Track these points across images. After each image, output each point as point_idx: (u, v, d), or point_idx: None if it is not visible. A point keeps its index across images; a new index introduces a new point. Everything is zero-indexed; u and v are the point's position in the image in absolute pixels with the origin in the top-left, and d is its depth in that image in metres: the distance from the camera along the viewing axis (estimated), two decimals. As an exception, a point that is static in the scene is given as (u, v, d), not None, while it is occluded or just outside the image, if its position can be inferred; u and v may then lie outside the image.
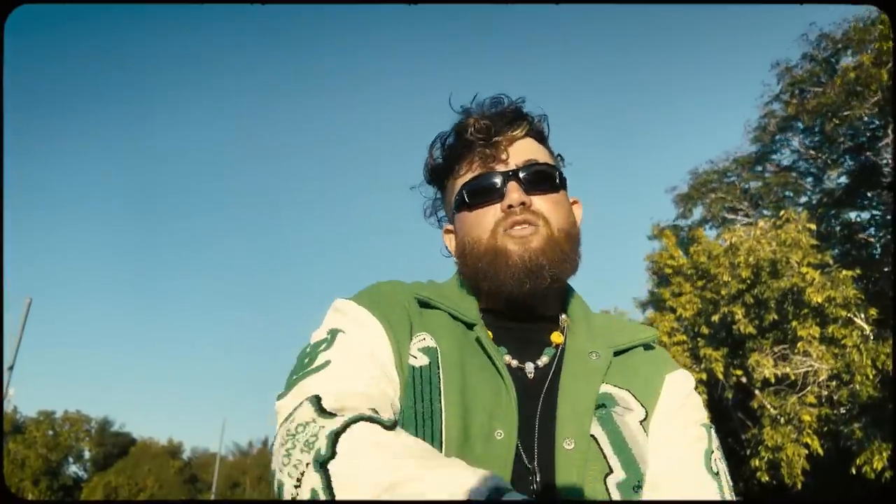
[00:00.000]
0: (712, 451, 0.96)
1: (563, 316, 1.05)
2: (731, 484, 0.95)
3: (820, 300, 11.46)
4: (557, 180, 1.03)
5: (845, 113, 13.00)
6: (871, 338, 11.59)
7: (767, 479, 11.94)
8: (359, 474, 0.69)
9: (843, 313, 11.59)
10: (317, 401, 0.79)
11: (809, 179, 17.40)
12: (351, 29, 78.05)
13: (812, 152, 16.80)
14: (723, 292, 12.89)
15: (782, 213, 13.01)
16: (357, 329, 0.92)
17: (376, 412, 0.79)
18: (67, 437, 52.20)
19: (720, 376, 13.06)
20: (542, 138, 1.09)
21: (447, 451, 0.85)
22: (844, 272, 11.83)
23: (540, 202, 1.00)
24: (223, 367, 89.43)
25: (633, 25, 63.58)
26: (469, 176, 1.03)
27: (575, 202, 1.10)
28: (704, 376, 13.06)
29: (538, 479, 0.86)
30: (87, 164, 79.23)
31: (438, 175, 1.10)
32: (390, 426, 0.78)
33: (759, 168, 18.46)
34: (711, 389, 13.95)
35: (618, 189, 63.09)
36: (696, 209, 18.05)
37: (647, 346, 1.05)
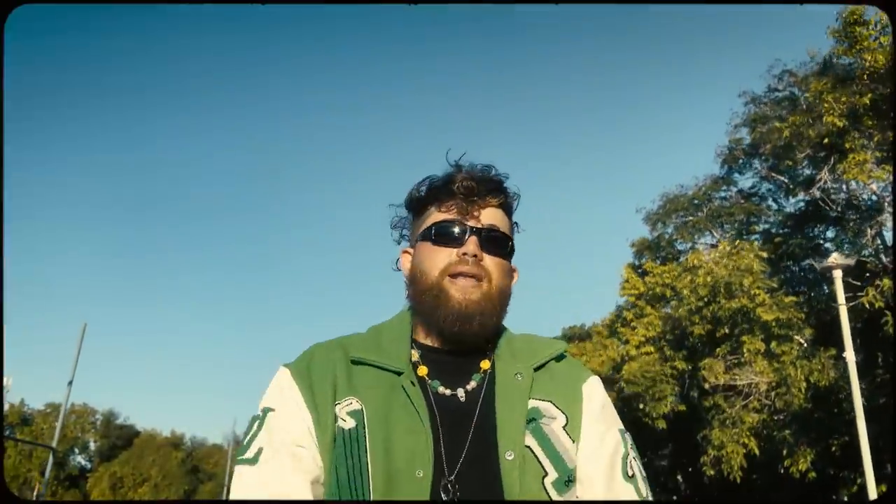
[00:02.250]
0: (627, 455, 1.12)
1: (489, 345, 1.19)
2: (646, 482, 1.13)
3: (769, 318, 13.14)
4: (508, 249, 1.19)
5: (792, 155, 14.72)
6: (806, 355, 13.31)
7: (712, 472, 13.68)
8: None
9: (786, 332, 13.31)
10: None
11: (770, 203, 19.00)
12: (351, 29, 78.99)
13: (774, 175, 18.39)
14: (681, 311, 14.59)
15: (737, 242, 14.70)
16: (282, 406, 1.10)
17: None
18: (74, 429, 53.91)
19: (686, 377, 14.86)
20: (509, 212, 1.23)
21: (375, 497, 1.01)
22: (789, 298, 13.54)
23: (489, 261, 1.15)
24: (223, 360, 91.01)
25: (613, 49, 64.83)
26: (442, 217, 1.17)
27: (514, 269, 1.24)
28: (669, 387, 14.87)
29: (456, 489, 1.02)
30: (87, 165, 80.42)
31: (416, 205, 1.24)
32: None
33: (726, 191, 20.05)
34: (680, 387, 15.76)
35: (603, 206, 64.63)
36: (666, 229, 19.65)
37: (560, 357, 1.20)
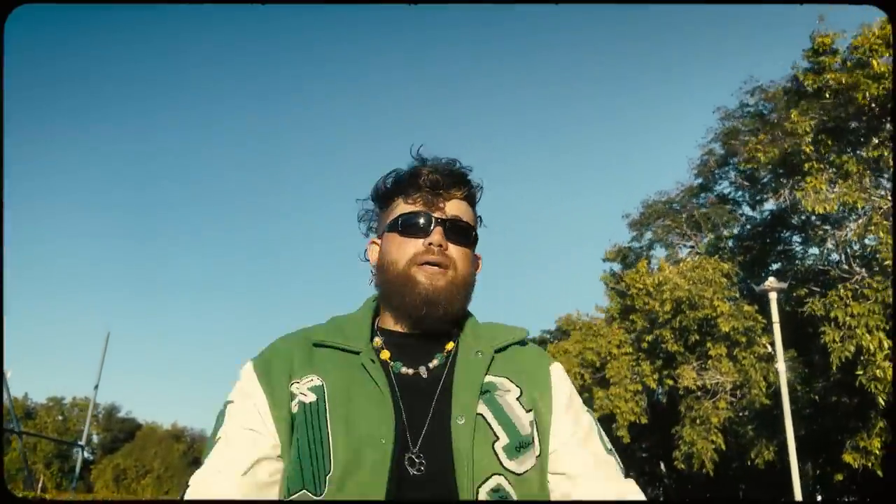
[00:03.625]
0: (601, 433, 1.22)
1: (455, 329, 1.26)
2: (618, 457, 1.21)
3: (727, 329, 14.55)
4: (472, 239, 1.26)
5: (756, 172, 16.05)
6: (764, 358, 14.72)
7: (683, 466, 15.15)
8: None
9: (744, 339, 14.71)
10: (186, 487, 1.07)
11: (743, 210, 20.31)
12: (351, 30, 79.32)
13: (747, 183, 19.65)
14: (653, 324, 15.97)
15: (699, 258, 16.05)
16: (239, 399, 1.16)
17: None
18: (76, 422, 55.11)
19: (653, 386, 16.26)
20: (472, 203, 1.30)
21: (335, 466, 1.04)
22: (747, 307, 14.93)
23: (454, 250, 1.21)
24: (221, 352, 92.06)
25: (599, 59, 65.84)
26: (409, 209, 1.23)
27: (478, 257, 1.31)
28: (640, 387, 16.29)
29: (422, 460, 1.06)
30: (89, 163, 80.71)
31: (383, 197, 1.29)
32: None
33: (704, 197, 21.31)
34: (648, 395, 17.18)
35: (587, 208, 65.98)
36: (646, 234, 20.98)
37: (523, 343, 1.29)
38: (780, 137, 15.22)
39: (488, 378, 1.17)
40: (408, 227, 1.23)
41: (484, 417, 1.11)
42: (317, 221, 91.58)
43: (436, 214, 1.23)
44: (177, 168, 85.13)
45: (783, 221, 18.04)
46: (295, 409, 1.12)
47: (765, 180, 17.68)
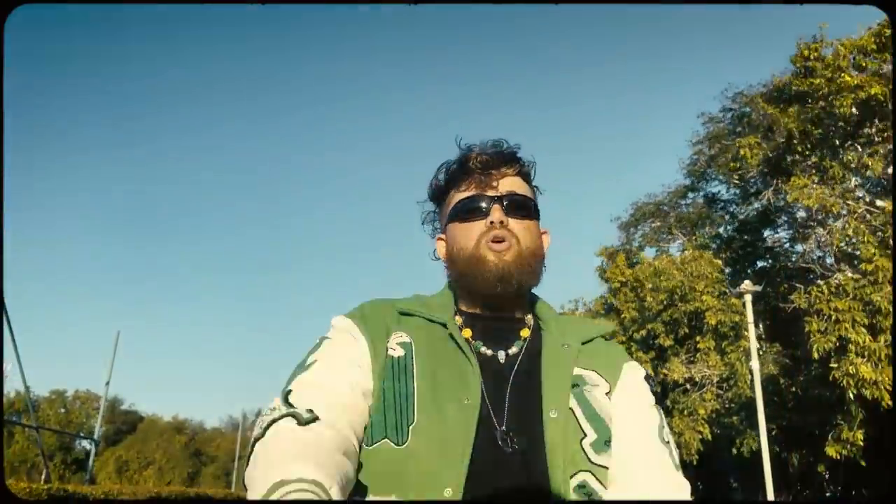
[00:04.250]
0: (663, 427, 1.16)
1: (529, 316, 1.27)
2: (677, 451, 1.16)
3: (713, 322, 15.08)
4: (532, 211, 1.26)
5: (742, 172, 16.56)
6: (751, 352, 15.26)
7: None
8: (257, 456, 0.93)
9: (732, 333, 15.25)
10: (285, 394, 1.03)
11: (732, 209, 20.84)
12: (352, 29, 79.52)
13: (736, 180, 20.15)
14: (645, 316, 16.49)
15: (695, 251, 16.57)
16: (338, 335, 1.18)
17: (312, 411, 0.99)
18: (78, 415, 55.70)
19: (651, 373, 16.80)
20: (527, 178, 1.30)
21: (419, 417, 1.06)
22: (734, 300, 15.44)
23: (515, 224, 1.21)
24: (221, 346, 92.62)
25: (588, 64, 66.23)
26: (464, 195, 1.24)
27: (545, 232, 1.31)
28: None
29: (513, 439, 1.06)
30: (88, 163, 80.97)
31: (439, 194, 1.31)
32: (307, 422, 0.97)
33: (693, 197, 21.86)
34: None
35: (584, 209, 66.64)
36: (636, 235, 21.54)
37: (606, 339, 1.28)
38: (768, 137, 15.75)
39: (576, 371, 1.17)
40: (467, 212, 1.24)
41: (574, 413, 1.11)
42: (319, 220, 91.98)
43: (490, 193, 1.24)
44: (177, 168, 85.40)
45: (770, 219, 18.58)
46: (386, 362, 1.15)
47: (752, 180, 18.22)
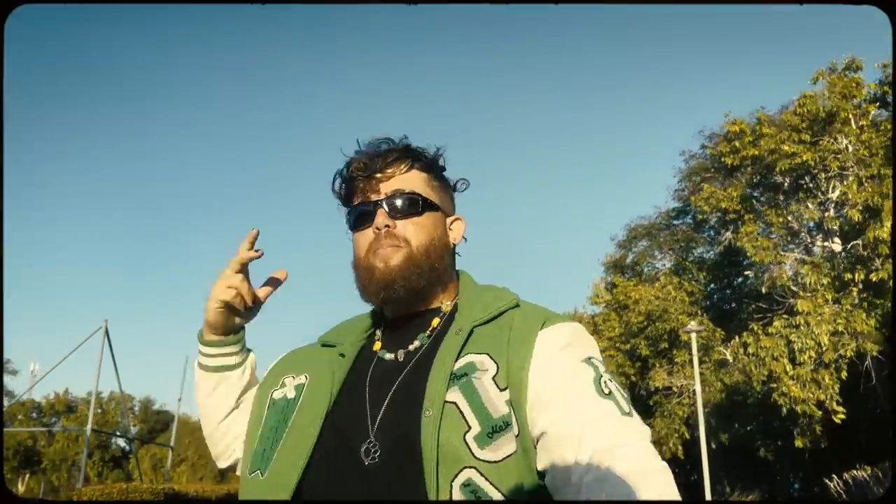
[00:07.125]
0: (601, 377, 1.01)
1: (448, 303, 1.21)
2: (627, 398, 1.01)
3: (685, 339, 17.91)
4: (421, 206, 1.19)
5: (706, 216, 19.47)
6: (721, 365, 18.12)
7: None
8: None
9: (706, 347, 18.10)
10: None
11: (711, 233, 23.50)
12: (351, 29, 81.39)
13: (703, 219, 22.50)
14: (632, 328, 19.41)
15: (662, 278, 19.47)
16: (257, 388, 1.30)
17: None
18: (114, 414, 58.80)
19: (635, 380, 19.83)
20: (427, 170, 1.23)
21: (283, 448, 1.11)
22: (706, 321, 18.29)
23: (403, 225, 1.17)
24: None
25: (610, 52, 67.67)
26: (353, 204, 1.23)
27: (457, 219, 1.27)
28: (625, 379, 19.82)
29: (376, 450, 1.02)
30: (89, 163, 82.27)
31: (342, 203, 1.26)
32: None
33: (682, 219, 24.44)
34: (632, 390, 20.65)
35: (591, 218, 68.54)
36: (629, 255, 24.37)
37: (517, 308, 1.14)
38: (720, 187, 18.35)
39: (468, 358, 1.06)
40: (355, 221, 1.22)
41: (456, 405, 1.01)
42: (320, 219, 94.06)
43: (373, 198, 1.19)
44: (177, 168, 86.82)
45: (732, 258, 21.25)
46: (277, 397, 1.20)
47: (713, 223, 20.94)
